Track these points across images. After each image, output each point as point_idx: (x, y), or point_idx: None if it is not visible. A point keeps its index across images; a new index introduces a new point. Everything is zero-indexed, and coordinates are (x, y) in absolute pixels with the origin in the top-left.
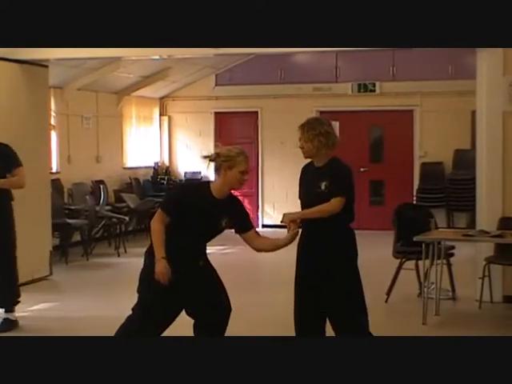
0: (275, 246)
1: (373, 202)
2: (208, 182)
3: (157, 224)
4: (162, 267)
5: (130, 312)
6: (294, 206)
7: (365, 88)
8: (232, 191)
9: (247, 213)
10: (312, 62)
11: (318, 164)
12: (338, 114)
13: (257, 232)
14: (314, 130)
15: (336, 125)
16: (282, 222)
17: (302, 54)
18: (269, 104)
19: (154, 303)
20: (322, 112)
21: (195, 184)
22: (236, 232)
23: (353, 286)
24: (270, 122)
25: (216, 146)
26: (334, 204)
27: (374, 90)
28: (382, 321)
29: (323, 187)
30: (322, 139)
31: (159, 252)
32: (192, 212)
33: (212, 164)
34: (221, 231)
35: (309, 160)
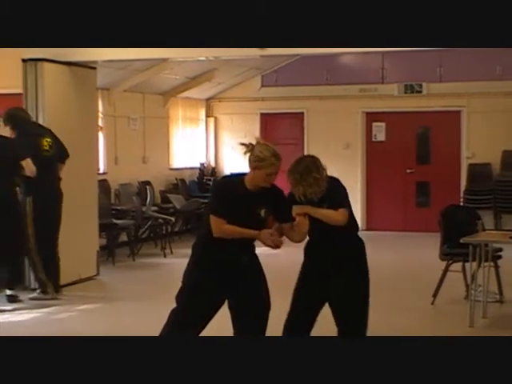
0: (303, 233)
1: (419, 204)
2: (243, 175)
3: (222, 227)
4: (266, 235)
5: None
6: None
7: (411, 89)
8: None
9: (287, 204)
10: (358, 63)
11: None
12: (384, 115)
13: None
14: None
15: (382, 126)
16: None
17: (348, 55)
18: (315, 105)
19: (197, 292)
20: (367, 113)
21: (228, 179)
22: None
23: (367, 299)
24: (316, 123)
25: (256, 139)
26: (343, 214)
27: (421, 91)
28: (428, 323)
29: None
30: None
31: (249, 232)
32: (230, 206)
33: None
34: (261, 222)
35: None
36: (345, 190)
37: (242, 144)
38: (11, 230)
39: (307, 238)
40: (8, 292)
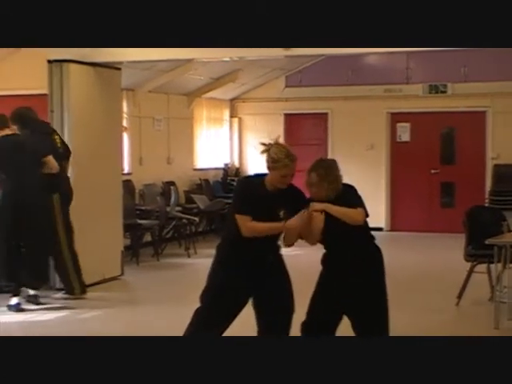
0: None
1: (443, 204)
2: (264, 175)
3: (249, 225)
4: (291, 220)
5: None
6: None
7: (436, 89)
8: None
9: (306, 204)
10: (383, 63)
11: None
12: (409, 115)
13: None
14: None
15: (407, 127)
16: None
17: (373, 55)
18: (339, 106)
19: (223, 291)
20: (392, 113)
21: (250, 180)
22: None
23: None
24: (340, 124)
25: (274, 140)
26: (361, 213)
27: (446, 91)
28: (452, 324)
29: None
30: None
31: (276, 225)
32: (252, 206)
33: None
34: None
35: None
36: (360, 196)
37: (262, 144)
38: (42, 230)
39: (323, 245)
40: (31, 292)
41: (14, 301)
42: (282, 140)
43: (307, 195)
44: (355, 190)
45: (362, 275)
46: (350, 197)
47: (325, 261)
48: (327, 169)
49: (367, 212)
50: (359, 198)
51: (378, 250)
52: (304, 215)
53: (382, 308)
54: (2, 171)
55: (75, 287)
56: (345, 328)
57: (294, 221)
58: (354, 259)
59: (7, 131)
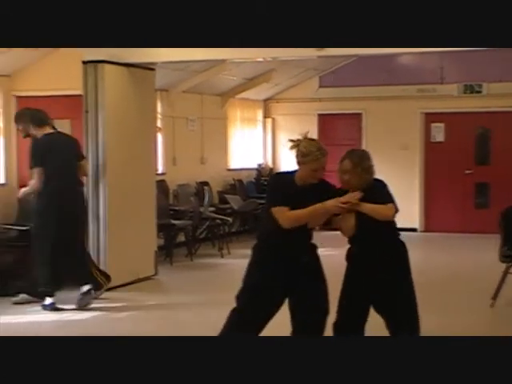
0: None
1: (478, 205)
2: (294, 172)
3: (288, 214)
4: (331, 201)
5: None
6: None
7: (471, 89)
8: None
9: (338, 197)
10: (416, 63)
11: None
12: (443, 115)
13: None
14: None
15: (441, 127)
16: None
17: (406, 55)
18: (373, 106)
19: (259, 292)
20: (427, 114)
21: (281, 175)
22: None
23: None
24: (374, 124)
25: (303, 135)
26: (391, 208)
27: (481, 91)
28: (487, 325)
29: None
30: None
31: (315, 208)
32: (286, 200)
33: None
34: None
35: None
36: (390, 191)
37: (291, 140)
38: (83, 230)
39: (351, 240)
40: (85, 289)
41: (48, 300)
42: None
43: (338, 186)
44: (386, 185)
45: (391, 272)
46: (380, 192)
47: (351, 257)
48: (361, 157)
49: (397, 207)
50: (389, 193)
51: (403, 245)
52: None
53: (411, 304)
54: (46, 170)
55: (101, 280)
56: (375, 327)
57: (333, 201)
58: (382, 255)
59: (48, 129)
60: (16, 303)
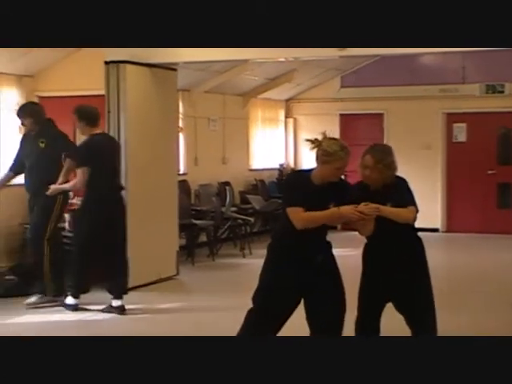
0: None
1: (500, 205)
2: (310, 170)
3: (302, 215)
4: (347, 208)
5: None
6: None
7: (493, 89)
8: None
9: (353, 206)
10: (438, 63)
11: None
12: (465, 115)
13: None
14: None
15: (463, 127)
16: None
17: (428, 55)
18: (394, 106)
19: (273, 292)
20: (448, 114)
21: (298, 174)
22: None
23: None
24: (396, 124)
25: (323, 134)
26: (412, 211)
27: (503, 91)
28: (508, 326)
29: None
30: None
31: (331, 212)
32: (303, 199)
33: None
34: None
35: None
36: (411, 190)
37: (308, 140)
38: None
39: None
40: (116, 303)
41: (71, 300)
42: None
43: (359, 178)
44: (407, 184)
45: (409, 271)
46: (401, 191)
47: (368, 255)
48: (383, 152)
49: (417, 208)
50: (411, 193)
51: (420, 242)
52: (357, 209)
53: (429, 303)
54: (92, 171)
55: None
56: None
57: (349, 209)
58: (400, 255)
59: (98, 130)
60: (29, 305)
